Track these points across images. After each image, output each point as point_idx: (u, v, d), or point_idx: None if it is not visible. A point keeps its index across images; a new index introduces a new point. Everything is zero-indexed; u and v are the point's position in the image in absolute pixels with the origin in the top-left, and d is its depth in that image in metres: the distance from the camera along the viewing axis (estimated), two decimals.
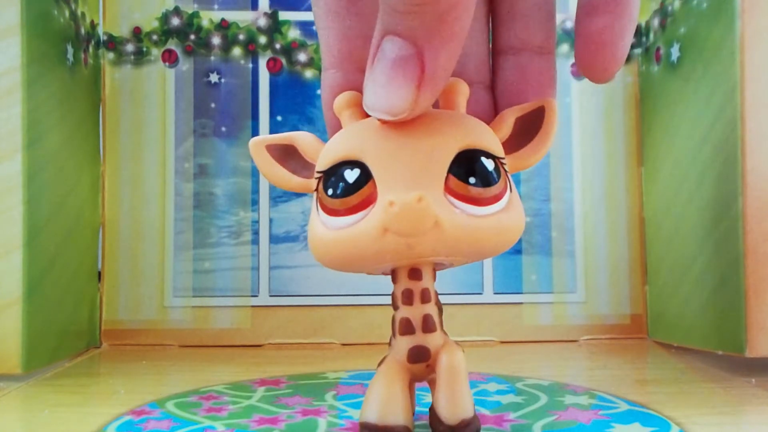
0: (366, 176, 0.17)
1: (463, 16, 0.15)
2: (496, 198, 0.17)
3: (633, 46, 0.38)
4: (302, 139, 0.19)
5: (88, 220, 0.35)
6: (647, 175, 0.37)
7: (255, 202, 0.37)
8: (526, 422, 0.21)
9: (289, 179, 0.19)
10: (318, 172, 0.18)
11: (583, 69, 0.19)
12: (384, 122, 0.17)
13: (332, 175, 0.17)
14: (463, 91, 0.18)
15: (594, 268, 0.38)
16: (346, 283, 0.37)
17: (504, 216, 0.17)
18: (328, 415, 0.22)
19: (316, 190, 0.18)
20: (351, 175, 0.17)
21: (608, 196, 0.38)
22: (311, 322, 0.37)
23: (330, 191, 0.17)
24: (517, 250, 0.37)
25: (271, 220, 0.37)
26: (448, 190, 0.16)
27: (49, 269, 0.29)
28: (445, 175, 0.16)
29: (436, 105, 0.18)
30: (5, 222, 0.27)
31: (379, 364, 0.18)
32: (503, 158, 0.18)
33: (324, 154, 0.18)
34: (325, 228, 0.17)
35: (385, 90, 0.16)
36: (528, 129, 0.19)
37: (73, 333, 0.33)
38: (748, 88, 0.27)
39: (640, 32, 0.38)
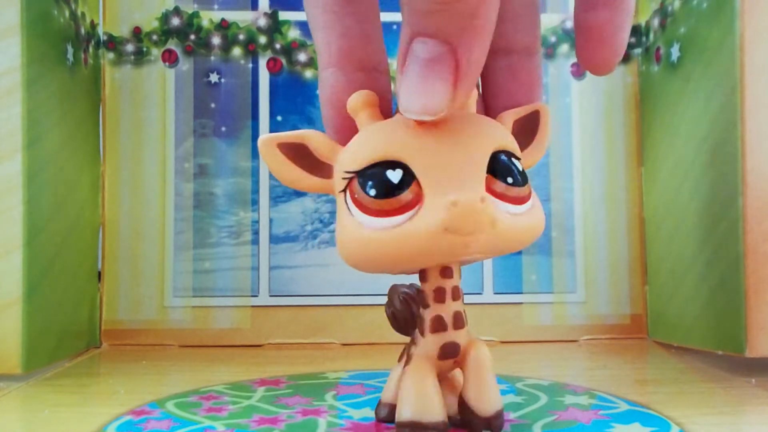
0: (410, 176, 0.17)
1: (491, 10, 0.15)
2: (529, 197, 0.17)
3: (633, 46, 0.38)
4: (314, 137, 0.18)
5: (88, 220, 0.35)
6: (647, 175, 0.37)
7: (255, 202, 0.37)
8: (526, 422, 0.21)
9: (305, 179, 0.18)
10: (349, 172, 0.17)
11: (585, 63, 0.20)
12: (420, 123, 0.17)
13: (372, 176, 0.17)
14: (473, 91, 0.19)
15: (594, 268, 0.38)
16: (346, 283, 0.37)
17: (534, 214, 0.17)
18: (328, 415, 0.22)
19: (345, 190, 0.17)
20: (394, 175, 0.17)
21: (608, 196, 0.38)
22: (311, 322, 0.37)
23: (372, 192, 0.17)
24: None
25: (271, 220, 0.37)
26: (489, 190, 0.17)
27: (49, 269, 0.29)
28: (485, 175, 0.17)
29: None
30: (5, 222, 0.27)
31: (404, 363, 0.18)
32: (520, 158, 0.18)
33: (355, 153, 0.17)
34: (367, 229, 0.17)
35: (421, 91, 0.16)
36: (524, 131, 0.19)
37: (73, 333, 0.33)
38: (748, 88, 0.27)
39: (640, 32, 0.38)
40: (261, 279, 0.37)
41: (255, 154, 0.37)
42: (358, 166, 0.17)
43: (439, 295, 0.18)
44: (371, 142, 0.17)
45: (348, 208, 0.17)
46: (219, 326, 0.36)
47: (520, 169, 0.17)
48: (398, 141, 0.17)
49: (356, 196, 0.17)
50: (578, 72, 0.38)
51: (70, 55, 0.32)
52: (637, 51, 0.38)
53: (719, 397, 0.24)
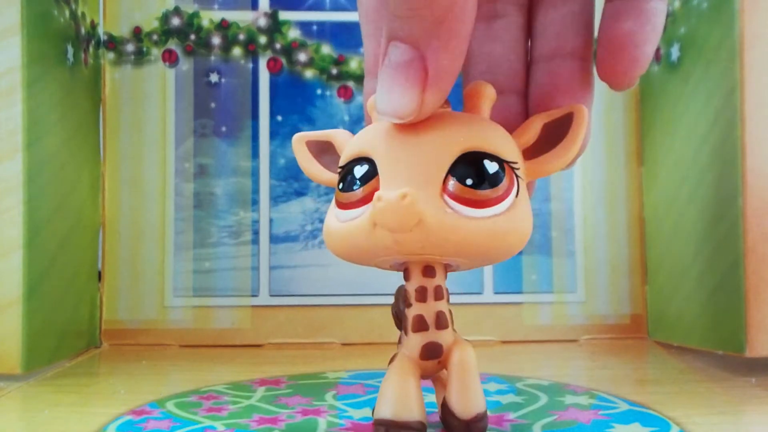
0: (373, 172, 0.17)
1: (461, 16, 0.15)
2: (496, 201, 0.17)
3: None
4: (339, 136, 0.20)
5: (88, 220, 0.35)
6: (647, 175, 0.37)
7: (255, 202, 0.37)
8: (526, 422, 0.21)
9: (320, 174, 0.20)
10: (339, 167, 0.18)
11: (604, 74, 0.19)
12: (395, 124, 0.17)
13: (346, 170, 0.18)
14: (488, 94, 0.18)
15: (594, 268, 0.38)
16: (346, 283, 0.37)
17: (502, 219, 0.17)
18: (328, 415, 0.22)
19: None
20: (359, 170, 0.17)
21: (608, 196, 0.38)
22: (311, 322, 0.37)
23: (341, 185, 0.18)
24: None
25: (271, 220, 0.37)
26: (445, 190, 0.16)
27: (49, 269, 0.29)
28: (444, 175, 0.16)
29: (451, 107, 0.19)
30: (5, 222, 0.27)
31: (390, 362, 0.18)
32: (514, 162, 0.17)
33: (347, 150, 0.18)
34: (336, 220, 0.18)
35: (391, 94, 0.16)
36: (557, 135, 0.18)
37: (73, 333, 0.33)
38: (748, 89, 0.27)
39: None
40: (261, 279, 0.37)
41: (255, 154, 0.37)
42: (344, 161, 0.18)
43: (421, 295, 0.18)
44: (357, 139, 0.18)
45: (333, 200, 0.18)
46: (219, 326, 0.36)
47: (491, 171, 0.17)
48: (373, 139, 0.18)
49: (336, 189, 0.18)
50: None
51: (70, 55, 0.32)
52: None
53: (719, 397, 0.24)
